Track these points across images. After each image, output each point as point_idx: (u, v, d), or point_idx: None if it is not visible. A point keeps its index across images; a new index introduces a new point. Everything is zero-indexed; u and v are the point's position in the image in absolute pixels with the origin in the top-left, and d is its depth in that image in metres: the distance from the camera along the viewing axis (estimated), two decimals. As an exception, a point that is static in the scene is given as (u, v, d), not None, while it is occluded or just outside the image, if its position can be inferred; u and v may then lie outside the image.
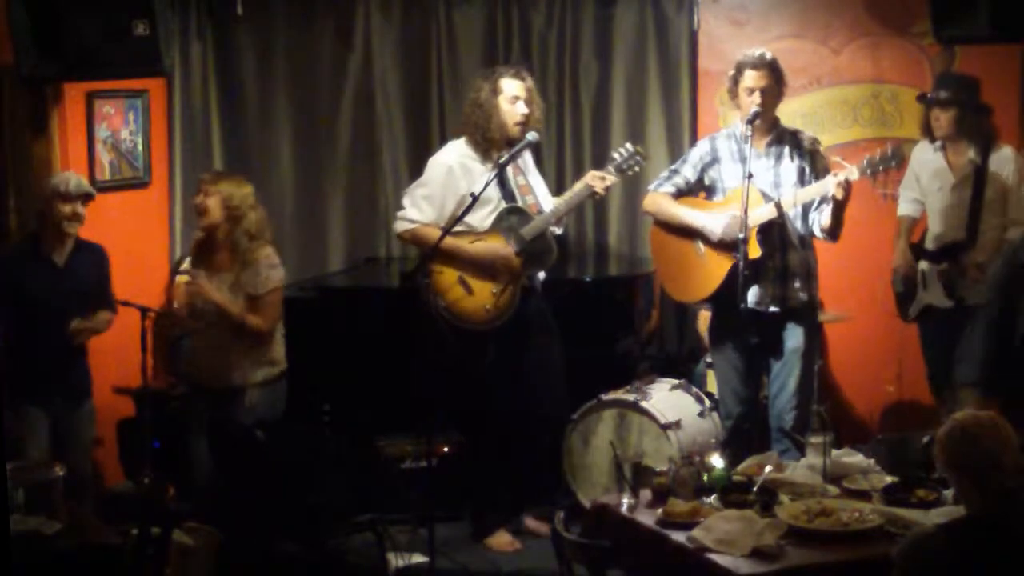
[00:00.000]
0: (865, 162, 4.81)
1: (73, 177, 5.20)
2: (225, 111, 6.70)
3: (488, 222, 5.29)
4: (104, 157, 6.12)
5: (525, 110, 5.27)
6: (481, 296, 5.27)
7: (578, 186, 5.34)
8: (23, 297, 5.09)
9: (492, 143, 5.27)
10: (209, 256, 5.15)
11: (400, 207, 5.25)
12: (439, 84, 6.62)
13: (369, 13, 6.63)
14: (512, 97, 5.26)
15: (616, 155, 5.35)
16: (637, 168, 5.36)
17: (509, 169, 5.32)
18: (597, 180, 5.27)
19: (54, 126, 5.84)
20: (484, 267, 5.27)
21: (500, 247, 5.26)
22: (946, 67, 6.07)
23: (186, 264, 5.14)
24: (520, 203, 5.34)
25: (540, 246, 5.32)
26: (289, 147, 6.74)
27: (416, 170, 6.66)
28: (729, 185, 5.11)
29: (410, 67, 6.67)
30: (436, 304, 5.18)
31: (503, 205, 5.30)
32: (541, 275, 5.45)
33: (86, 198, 5.17)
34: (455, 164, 5.28)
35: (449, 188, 5.26)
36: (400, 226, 5.36)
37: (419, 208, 5.29)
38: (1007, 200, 5.48)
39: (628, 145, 5.39)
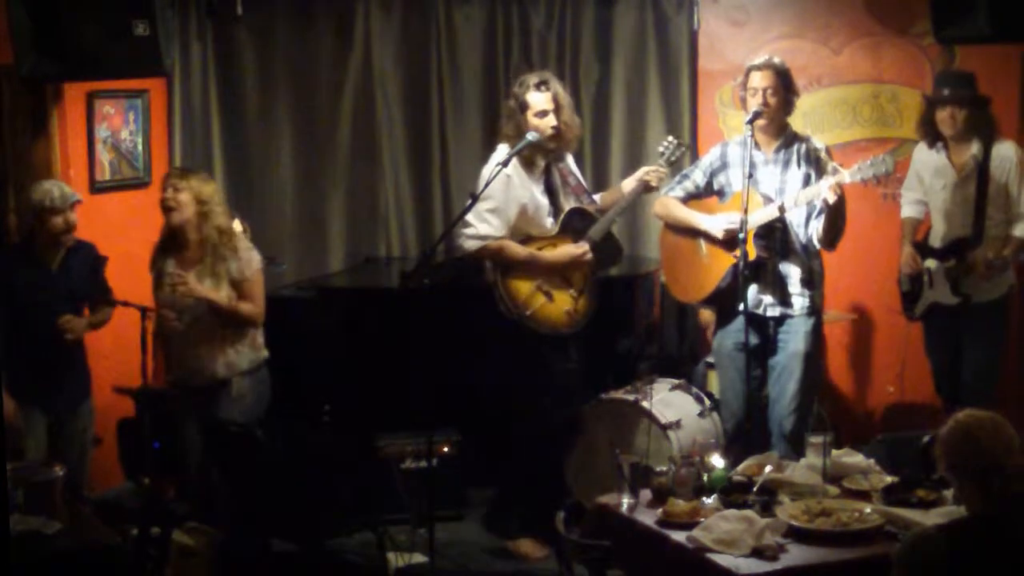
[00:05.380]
0: (856, 167, 4.82)
1: (55, 188, 5.14)
2: (225, 111, 6.70)
3: (548, 223, 5.32)
4: (104, 157, 6.12)
5: (554, 121, 5.24)
6: (562, 301, 5.28)
7: (632, 182, 5.39)
8: (17, 301, 5.09)
9: (528, 156, 5.26)
10: (177, 253, 5.13)
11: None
12: (439, 84, 6.62)
13: (369, 13, 6.63)
14: (540, 112, 5.23)
15: (661, 148, 5.43)
16: (681, 156, 5.46)
17: (556, 173, 5.35)
18: (652, 175, 5.33)
19: (54, 126, 5.84)
20: (560, 272, 5.29)
21: (573, 249, 5.28)
22: (946, 67, 6.07)
23: (171, 267, 5.10)
24: (575, 204, 5.36)
25: (610, 245, 5.39)
26: (289, 147, 6.74)
27: (416, 170, 6.69)
28: (736, 189, 5.14)
29: (410, 67, 6.67)
30: (518, 315, 5.20)
31: (549, 209, 5.32)
32: None
33: (74, 205, 5.14)
34: (512, 172, 5.23)
35: (511, 196, 5.24)
36: (471, 244, 5.22)
37: (487, 222, 5.20)
38: (1009, 195, 5.48)
39: (671, 137, 5.50)
